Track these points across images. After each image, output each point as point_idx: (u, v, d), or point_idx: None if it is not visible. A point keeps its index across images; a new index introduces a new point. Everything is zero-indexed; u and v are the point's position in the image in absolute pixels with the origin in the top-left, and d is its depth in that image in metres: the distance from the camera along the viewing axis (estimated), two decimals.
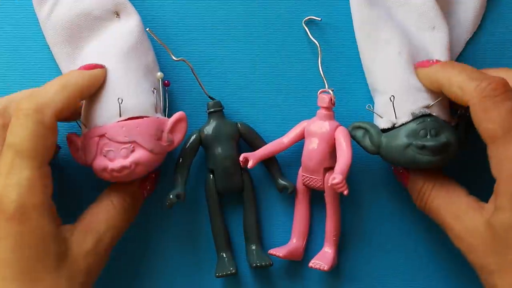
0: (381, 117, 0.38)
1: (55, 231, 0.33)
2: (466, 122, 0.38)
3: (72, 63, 0.39)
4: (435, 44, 0.38)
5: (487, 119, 0.32)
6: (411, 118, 0.36)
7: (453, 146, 0.36)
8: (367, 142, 0.38)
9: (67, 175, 0.41)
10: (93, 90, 0.36)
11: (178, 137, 0.37)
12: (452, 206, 0.36)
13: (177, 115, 0.37)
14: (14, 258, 0.31)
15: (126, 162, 0.35)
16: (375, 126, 0.38)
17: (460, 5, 0.41)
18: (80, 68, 0.36)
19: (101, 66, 0.36)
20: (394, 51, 0.37)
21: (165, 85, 0.39)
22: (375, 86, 0.39)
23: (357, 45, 0.40)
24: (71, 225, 0.35)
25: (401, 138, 0.36)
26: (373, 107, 0.39)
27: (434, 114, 0.37)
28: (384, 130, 0.38)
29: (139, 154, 0.35)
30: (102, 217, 0.36)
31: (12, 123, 0.33)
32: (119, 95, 0.35)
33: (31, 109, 0.32)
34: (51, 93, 0.33)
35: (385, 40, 0.38)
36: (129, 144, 0.35)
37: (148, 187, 0.39)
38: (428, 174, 0.38)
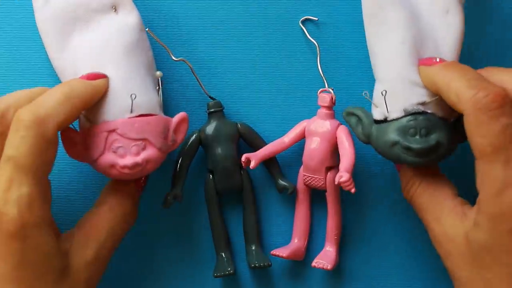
0: (376, 107, 0.37)
1: (56, 246, 0.32)
2: None
3: (60, 54, 0.37)
4: (447, 30, 0.36)
5: (478, 133, 0.31)
6: (403, 114, 0.35)
7: (443, 147, 0.35)
8: (359, 130, 0.37)
9: (62, 175, 0.41)
10: (95, 101, 0.35)
11: (180, 137, 0.37)
12: (435, 206, 0.35)
13: (180, 115, 0.37)
14: (16, 275, 0.30)
15: (139, 159, 0.34)
16: (368, 115, 0.37)
17: None
18: (82, 77, 0.35)
19: (104, 76, 0.35)
20: (397, 40, 0.36)
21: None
22: (375, 72, 0.38)
23: (360, 44, 0.40)
24: (69, 233, 0.35)
25: (389, 134, 0.35)
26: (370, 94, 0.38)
27: (429, 111, 0.35)
28: (377, 121, 0.36)
29: (150, 152, 0.35)
30: (102, 224, 0.35)
31: (12, 135, 0.31)
32: (129, 90, 0.35)
33: (32, 121, 0.31)
34: (54, 104, 0.32)
35: (391, 25, 0.36)
36: (141, 141, 0.34)
37: (144, 184, 0.39)
38: (419, 168, 0.37)
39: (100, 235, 0.35)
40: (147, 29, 0.38)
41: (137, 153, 0.34)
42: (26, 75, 0.41)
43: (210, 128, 0.39)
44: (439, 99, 0.35)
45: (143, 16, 0.39)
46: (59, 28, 0.37)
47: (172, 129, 0.36)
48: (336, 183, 0.36)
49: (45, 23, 0.37)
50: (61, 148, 0.35)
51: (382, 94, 0.35)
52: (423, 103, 0.35)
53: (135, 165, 0.34)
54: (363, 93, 0.37)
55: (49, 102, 0.32)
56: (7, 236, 0.30)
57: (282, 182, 0.40)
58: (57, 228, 0.35)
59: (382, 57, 0.37)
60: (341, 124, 0.39)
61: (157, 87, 0.37)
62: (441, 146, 0.35)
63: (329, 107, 0.39)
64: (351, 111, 0.37)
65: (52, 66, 0.38)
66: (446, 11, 0.36)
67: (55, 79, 0.40)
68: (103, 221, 0.36)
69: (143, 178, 0.39)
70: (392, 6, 0.36)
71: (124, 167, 0.34)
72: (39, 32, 0.38)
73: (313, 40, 0.41)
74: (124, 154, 0.34)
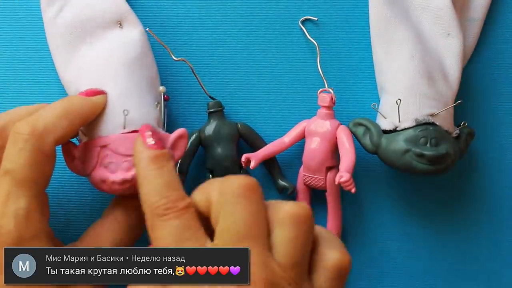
0: (385, 118, 0.38)
1: None
2: (467, 134, 0.39)
3: (66, 67, 0.38)
4: (449, 51, 0.38)
5: None
6: (414, 124, 0.36)
7: (451, 157, 0.36)
8: (367, 140, 0.38)
9: (68, 188, 0.41)
10: (93, 117, 0.35)
11: (178, 154, 0.36)
12: None
13: (178, 131, 0.36)
14: None
15: (128, 175, 0.34)
16: (377, 126, 0.38)
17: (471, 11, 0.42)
18: (81, 94, 0.35)
19: (102, 92, 0.35)
20: (407, 55, 0.37)
21: (164, 99, 0.38)
22: (383, 86, 0.39)
23: (360, 44, 0.40)
24: (72, 246, 0.34)
25: (401, 143, 0.36)
26: (378, 105, 0.39)
27: (437, 123, 0.37)
28: (385, 131, 0.38)
29: None
30: (106, 237, 0.35)
31: (10, 147, 0.31)
32: (124, 106, 0.35)
33: (31, 135, 0.31)
34: (52, 119, 0.32)
35: (399, 41, 0.38)
36: (132, 157, 0.34)
37: None
38: None
39: (103, 246, 0.34)
40: (147, 29, 0.38)
41: (128, 169, 0.34)
42: (26, 75, 0.41)
43: (210, 128, 0.39)
44: (446, 110, 0.37)
45: (144, 16, 0.39)
46: (67, 42, 0.37)
47: (169, 145, 0.36)
48: (336, 183, 0.36)
49: (53, 37, 0.38)
50: (63, 161, 0.35)
51: (397, 103, 0.37)
52: (432, 114, 0.37)
53: (124, 182, 0.34)
54: (372, 104, 0.38)
55: (48, 116, 0.32)
56: (4, 248, 0.30)
57: (282, 182, 0.40)
58: (57, 240, 0.34)
59: (391, 72, 0.38)
60: (341, 124, 0.39)
61: (156, 103, 0.37)
62: (449, 156, 0.36)
63: (329, 107, 0.39)
64: (358, 121, 0.38)
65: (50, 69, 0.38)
66: (447, 34, 0.38)
67: (55, 79, 0.41)
68: (107, 232, 0.35)
69: None
70: (399, 25, 0.38)
71: (113, 182, 0.34)
72: (48, 44, 0.38)
73: (313, 40, 0.41)
74: (115, 170, 0.34)
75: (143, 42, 0.37)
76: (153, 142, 0.32)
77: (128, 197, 0.37)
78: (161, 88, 0.37)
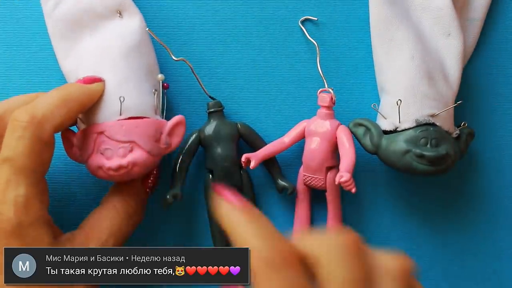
0: (385, 118, 0.38)
1: (53, 244, 0.32)
2: (468, 134, 0.39)
3: (66, 58, 0.38)
4: (449, 51, 0.38)
5: None
6: (414, 124, 0.37)
7: (451, 158, 0.36)
8: (367, 141, 0.38)
9: (68, 176, 0.41)
10: (91, 105, 0.35)
11: (175, 140, 0.37)
12: None
13: (176, 118, 0.37)
14: None
15: (124, 161, 0.34)
16: (377, 126, 0.38)
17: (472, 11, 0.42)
18: (79, 81, 0.35)
19: (100, 80, 0.35)
20: (407, 55, 0.37)
21: (164, 87, 0.38)
22: (383, 86, 0.39)
23: (360, 44, 0.40)
24: (71, 234, 0.34)
25: (401, 143, 0.36)
26: (378, 105, 0.39)
27: (438, 123, 0.37)
28: (386, 132, 0.38)
29: (137, 155, 0.35)
30: (104, 224, 0.35)
31: (8, 135, 0.31)
32: (120, 93, 0.35)
33: (29, 122, 0.31)
34: (50, 107, 0.32)
35: (399, 41, 0.38)
36: (128, 144, 0.34)
37: (152, 184, 0.39)
38: None
39: (102, 234, 0.35)
40: (147, 29, 0.38)
41: (124, 155, 0.34)
42: (26, 75, 0.41)
43: (210, 128, 0.39)
44: (447, 110, 0.37)
45: (144, 16, 0.39)
46: (66, 33, 0.38)
47: (166, 132, 0.36)
48: (336, 183, 0.36)
49: (53, 28, 0.38)
50: (62, 149, 0.36)
51: (397, 104, 0.37)
52: (433, 115, 0.37)
53: (120, 167, 0.34)
54: (372, 105, 0.38)
55: (46, 104, 0.32)
56: (4, 236, 0.30)
57: (282, 182, 0.40)
58: (57, 228, 0.35)
59: (391, 73, 0.38)
60: (341, 124, 0.39)
61: (154, 90, 0.37)
62: (449, 157, 0.36)
63: (329, 107, 0.39)
64: (359, 122, 0.38)
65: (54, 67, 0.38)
66: (448, 34, 0.38)
67: (55, 79, 0.41)
68: (105, 220, 0.35)
69: (151, 178, 0.39)
70: (399, 26, 0.38)
71: (109, 169, 0.34)
72: (49, 36, 0.38)
73: (313, 40, 0.41)
74: (111, 156, 0.34)
75: (142, 29, 0.37)
76: (240, 199, 0.28)
77: (126, 184, 0.37)
78: (160, 76, 0.37)
